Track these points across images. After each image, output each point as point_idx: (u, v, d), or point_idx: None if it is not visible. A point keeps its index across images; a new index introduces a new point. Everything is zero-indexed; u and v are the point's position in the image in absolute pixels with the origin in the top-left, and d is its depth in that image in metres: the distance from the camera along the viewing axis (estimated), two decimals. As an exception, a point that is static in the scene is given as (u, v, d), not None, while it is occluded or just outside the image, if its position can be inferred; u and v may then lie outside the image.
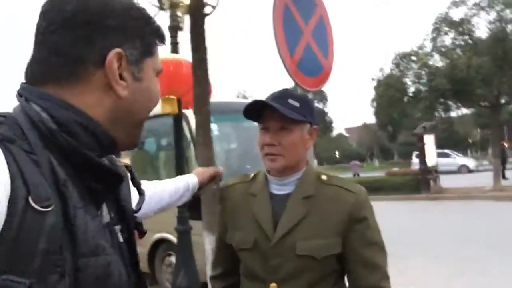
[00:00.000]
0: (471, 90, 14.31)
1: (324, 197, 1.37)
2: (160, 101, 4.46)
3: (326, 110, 55.76)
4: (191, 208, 3.87)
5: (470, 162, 28.47)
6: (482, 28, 15.90)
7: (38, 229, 0.59)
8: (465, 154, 38.93)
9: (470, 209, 11.55)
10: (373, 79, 17.79)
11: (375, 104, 24.65)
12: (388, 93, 16.17)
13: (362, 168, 35.12)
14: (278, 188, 1.41)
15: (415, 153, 23.60)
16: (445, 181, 16.27)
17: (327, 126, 55.82)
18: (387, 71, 16.75)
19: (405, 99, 16.65)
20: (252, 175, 1.51)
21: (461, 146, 45.14)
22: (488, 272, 5.55)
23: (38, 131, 0.66)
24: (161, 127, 5.77)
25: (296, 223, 1.33)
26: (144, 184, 1.11)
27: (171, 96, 3.71)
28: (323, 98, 54.58)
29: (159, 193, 1.36)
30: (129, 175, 0.90)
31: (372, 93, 24.75)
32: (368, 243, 1.33)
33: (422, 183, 15.12)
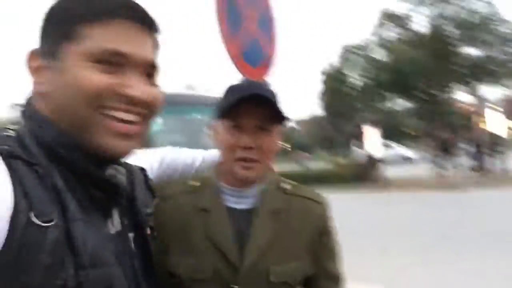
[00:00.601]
0: (412, 83, 14.76)
1: (292, 211, 1.18)
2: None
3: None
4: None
5: (411, 153, 29.74)
6: (423, 24, 16.42)
7: (40, 244, 0.59)
8: (406, 145, 40.60)
9: (414, 199, 11.91)
10: (323, 73, 18.01)
11: (322, 96, 25.07)
12: (335, 86, 16.44)
13: (310, 159, 35.70)
14: (236, 201, 1.16)
15: (354, 142, 24.28)
16: (389, 172, 16.76)
17: (276, 118, 56.06)
18: (334, 64, 16.98)
19: (351, 92, 16.96)
20: (196, 183, 1.19)
21: (402, 137, 47.03)
22: (435, 262, 5.64)
23: (40, 144, 0.68)
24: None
25: (267, 246, 1.11)
26: (165, 150, 1.25)
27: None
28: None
29: (174, 166, 1.28)
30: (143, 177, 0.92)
31: (318, 87, 25.17)
32: (332, 255, 1.24)
33: (367, 174, 15.48)
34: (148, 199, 0.92)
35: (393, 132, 42.15)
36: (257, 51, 2.68)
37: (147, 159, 1.20)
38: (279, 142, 1.18)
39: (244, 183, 1.14)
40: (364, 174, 15.57)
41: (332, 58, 34.52)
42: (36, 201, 0.61)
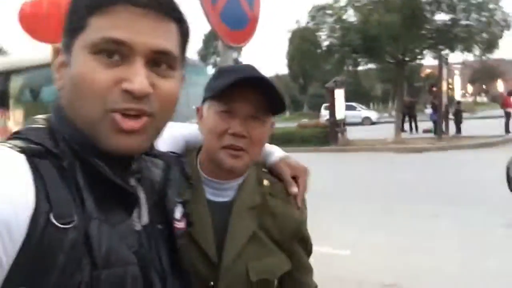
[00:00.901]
0: (380, 46, 14.85)
1: (269, 210, 1.12)
2: (51, 48, 3.86)
3: (240, 59, 55.38)
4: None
5: (373, 115, 30.44)
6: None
7: (58, 245, 0.59)
8: (368, 106, 41.40)
9: (374, 160, 12.29)
10: (289, 31, 17.76)
11: (289, 55, 24.82)
12: (303, 46, 16.29)
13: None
14: (215, 194, 1.10)
15: (324, 105, 24.55)
16: (351, 133, 17.09)
17: (240, 75, 55.55)
18: (303, 23, 16.75)
19: (319, 52, 16.87)
20: None
21: (364, 99, 47.89)
22: (394, 224, 5.86)
23: (63, 139, 0.68)
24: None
25: (246, 242, 1.07)
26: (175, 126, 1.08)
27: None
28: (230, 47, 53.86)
29: (177, 142, 1.16)
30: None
31: (286, 45, 24.86)
32: (306, 260, 1.23)
33: (330, 136, 15.72)
34: (183, 187, 0.90)
35: (357, 93, 42.92)
36: (236, 12, 2.56)
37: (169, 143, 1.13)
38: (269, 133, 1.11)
39: (228, 173, 1.07)
40: (327, 136, 15.78)
41: (300, 17, 34.14)
42: (57, 202, 0.61)
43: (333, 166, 11.65)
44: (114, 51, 0.65)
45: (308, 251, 1.23)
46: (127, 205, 0.72)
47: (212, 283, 1.03)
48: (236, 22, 2.57)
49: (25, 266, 0.57)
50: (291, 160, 1.22)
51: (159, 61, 0.69)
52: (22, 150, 0.63)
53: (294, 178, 1.17)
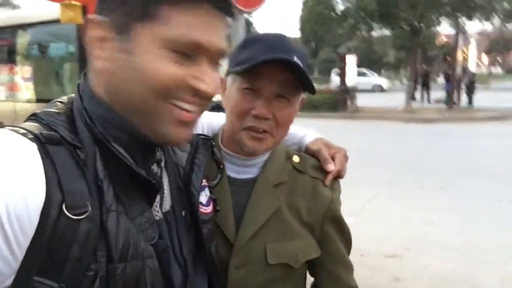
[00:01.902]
0: (396, 12, 14.46)
1: (297, 187, 1.05)
2: (60, 7, 3.82)
3: (251, 20, 54.38)
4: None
5: (384, 82, 29.94)
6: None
7: (71, 236, 0.58)
8: (379, 73, 40.73)
9: (383, 129, 12.19)
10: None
11: (301, 19, 24.30)
12: (317, 9, 15.92)
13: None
14: (237, 170, 1.04)
15: (334, 70, 24.16)
16: (360, 100, 16.90)
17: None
18: (317, -15, 16.27)
19: (333, 15, 16.47)
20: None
21: (376, 66, 47.10)
22: (398, 195, 5.87)
23: (86, 127, 0.66)
24: (70, 31, 5.02)
25: (266, 219, 1.00)
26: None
27: (73, 2, 3.00)
28: (241, 11, 52.77)
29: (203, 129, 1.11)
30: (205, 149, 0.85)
31: (299, 8, 24.25)
32: (344, 246, 1.12)
33: (340, 102, 15.57)
34: (213, 171, 0.89)
35: (369, 59, 42.16)
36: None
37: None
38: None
39: (249, 154, 1.01)
40: (337, 102, 15.63)
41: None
42: (70, 192, 0.59)
43: (340, 134, 11.50)
44: (190, 52, 0.64)
45: (346, 240, 1.12)
46: (148, 195, 0.70)
47: (231, 265, 0.98)
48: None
49: (38, 257, 0.57)
50: (328, 141, 1.17)
51: (217, 59, 0.69)
52: (35, 137, 0.60)
53: (332, 157, 1.10)
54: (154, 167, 0.74)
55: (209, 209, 0.84)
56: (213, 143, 0.87)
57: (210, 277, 0.83)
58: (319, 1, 16.02)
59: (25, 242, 0.56)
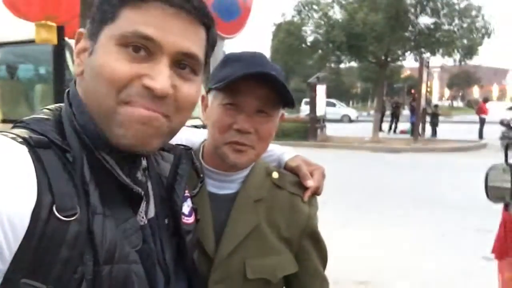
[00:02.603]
0: (364, 45, 14.97)
1: (276, 203, 1.07)
2: (34, 27, 3.77)
3: (224, 49, 55.01)
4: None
5: (352, 112, 30.77)
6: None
7: (60, 237, 0.58)
8: (347, 104, 41.77)
9: (351, 158, 12.43)
10: (274, 24, 17.69)
11: (272, 49, 24.80)
12: (288, 40, 16.27)
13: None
14: (218, 186, 1.05)
15: (304, 100, 24.65)
16: (330, 129, 17.28)
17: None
18: (288, 17, 16.71)
19: (303, 47, 16.89)
20: None
21: (344, 96, 48.31)
22: (369, 220, 5.98)
23: (74, 132, 0.66)
24: (41, 53, 4.95)
25: (246, 235, 1.01)
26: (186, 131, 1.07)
27: (49, 23, 2.99)
28: (220, 38, 53.58)
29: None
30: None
31: (270, 38, 24.78)
32: (320, 261, 1.13)
33: (310, 131, 15.83)
34: (193, 181, 0.89)
35: (337, 90, 43.24)
36: (229, 4, 2.53)
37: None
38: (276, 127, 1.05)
39: (231, 167, 1.03)
40: (307, 131, 15.88)
41: (286, 10, 34.08)
42: (60, 194, 0.59)
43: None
44: (141, 47, 0.65)
45: (322, 255, 1.14)
46: (133, 203, 0.70)
47: (210, 278, 0.99)
48: (228, 13, 2.55)
49: (27, 258, 0.56)
50: (306, 158, 1.19)
51: (183, 63, 0.68)
52: (25, 141, 0.61)
53: (310, 174, 1.12)
54: (139, 175, 0.75)
55: (191, 219, 0.84)
56: (193, 153, 0.88)
57: (190, 284, 0.83)
58: (289, 32, 16.38)
59: (15, 244, 0.56)
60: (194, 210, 0.87)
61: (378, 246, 5.03)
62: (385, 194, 7.70)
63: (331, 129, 17.60)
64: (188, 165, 0.85)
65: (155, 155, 0.82)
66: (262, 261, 1.02)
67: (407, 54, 16.56)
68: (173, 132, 0.73)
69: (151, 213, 0.76)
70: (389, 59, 16.56)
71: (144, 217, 0.74)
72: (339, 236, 5.43)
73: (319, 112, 16.06)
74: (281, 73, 0.99)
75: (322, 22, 15.60)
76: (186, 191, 0.85)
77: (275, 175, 1.10)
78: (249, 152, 0.99)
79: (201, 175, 0.90)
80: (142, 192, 0.71)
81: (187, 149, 0.88)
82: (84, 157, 0.64)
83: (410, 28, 15.34)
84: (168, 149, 0.85)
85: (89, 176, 0.63)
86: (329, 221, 5.81)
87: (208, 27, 0.72)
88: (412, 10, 14.84)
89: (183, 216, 0.81)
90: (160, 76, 0.65)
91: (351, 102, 50.88)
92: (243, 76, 0.92)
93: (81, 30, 0.71)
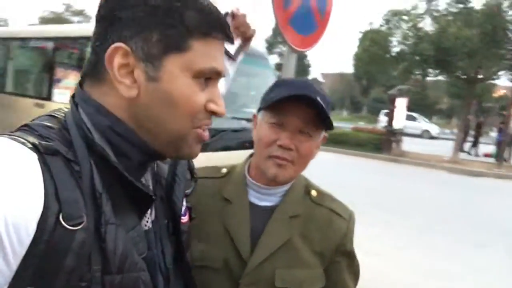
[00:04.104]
0: (453, 61, 14.23)
1: (312, 219, 1.15)
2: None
3: (306, 52, 54.86)
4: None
5: (434, 128, 29.18)
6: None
7: (66, 246, 0.59)
8: (430, 119, 39.79)
9: (425, 176, 11.90)
10: (360, 32, 17.42)
11: (356, 57, 24.36)
12: (373, 49, 15.91)
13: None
14: (259, 198, 1.15)
15: (383, 111, 23.89)
16: (407, 144, 16.62)
17: (304, 68, 55.28)
18: (375, 26, 16.35)
19: (387, 57, 16.42)
20: (224, 170, 1.22)
21: (428, 111, 46.06)
22: (431, 246, 5.74)
23: (83, 138, 0.66)
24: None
25: (278, 247, 1.10)
26: None
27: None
28: (294, 50, 53.47)
29: None
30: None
31: (355, 45, 24.37)
32: (351, 278, 1.20)
33: (385, 144, 15.36)
34: (187, 180, 0.91)
35: (421, 104, 41.27)
36: (306, 18, 2.62)
37: None
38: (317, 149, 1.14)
39: (271, 181, 1.12)
40: (381, 143, 15.43)
41: (375, 20, 33.25)
42: (67, 203, 0.60)
43: (380, 176, 11.45)
44: (209, 78, 0.71)
45: (354, 273, 1.20)
46: (142, 208, 0.72)
47: (239, 281, 1.08)
48: (305, 28, 2.65)
49: (33, 266, 0.57)
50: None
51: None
52: (35, 147, 0.61)
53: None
54: (143, 179, 0.77)
55: (185, 218, 0.87)
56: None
57: (186, 285, 0.85)
58: (375, 40, 16.00)
59: (21, 252, 0.57)
60: (188, 209, 0.90)
61: (439, 271, 4.84)
62: (456, 218, 7.33)
63: (409, 144, 16.92)
64: (185, 166, 0.88)
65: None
66: (291, 273, 1.09)
67: (500, 72, 15.47)
68: None
69: (153, 216, 0.79)
70: (480, 76, 15.59)
71: (149, 221, 0.77)
72: (399, 254, 5.31)
73: (397, 125, 15.54)
74: (326, 99, 1.08)
75: (411, 34, 15.05)
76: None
77: (314, 193, 1.19)
78: (288, 168, 1.08)
79: (195, 175, 0.92)
80: (153, 195, 0.73)
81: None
82: (94, 165, 0.65)
83: (507, 45, 14.29)
84: None
85: (100, 184, 0.64)
86: (389, 238, 5.72)
87: None
88: (510, 27, 13.81)
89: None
90: (220, 100, 0.73)
91: (434, 118, 48.43)
92: (288, 97, 1.03)
93: (122, 45, 0.66)
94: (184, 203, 0.87)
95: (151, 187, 0.79)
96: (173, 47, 0.67)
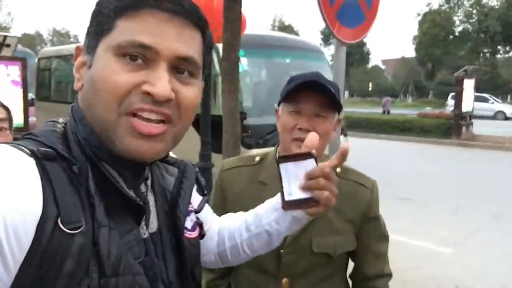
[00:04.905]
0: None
1: (341, 191, 1.27)
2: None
3: (364, 40, 53.51)
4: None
5: (508, 109, 27.30)
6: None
7: (65, 250, 0.59)
8: (504, 99, 37.23)
9: (499, 160, 11.26)
10: (418, 14, 16.78)
11: (416, 40, 23.36)
12: (433, 31, 15.29)
13: (394, 104, 34.30)
14: None
15: (451, 94, 22.74)
16: (479, 127, 15.75)
17: (363, 57, 53.89)
18: (435, 6, 15.66)
19: (450, 38, 15.67)
20: (258, 158, 1.40)
21: (501, 90, 43.15)
22: (506, 231, 5.52)
23: (77, 143, 0.67)
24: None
25: (312, 219, 1.24)
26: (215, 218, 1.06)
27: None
28: (343, 43, 52.16)
29: (227, 229, 1.03)
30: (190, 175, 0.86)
31: (415, 28, 23.38)
32: (378, 238, 1.37)
33: (454, 128, 14.69)
34: (197, 198, 0.91)
35: (493, 84, 38.75)
36: (353, 10, 2.68)
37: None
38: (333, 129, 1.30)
39: None
40: (450, 128, 14.76)
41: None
42: (65, 207, 0.60)
43: (450, 162, 11.00)
44: (138, 56, 0.65)
45: (380, 233, 1.37)
46: (136, 214, 0.71)
47: (282, 250, 1.26)
48: (352, 21, 2.72)
49: (32, 271, 0.57)
50: None
51: (182, 68, 0.69)
52: (32, 153, 0.62)
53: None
54: (143, 187, 0.76)
55: (194, 234, 0.84)
56: (198, 170, 0.90)
57: None
58: (435, 22, 15.32)
59: (20, 257, 0.57)
60: (198, 224, 0.87)
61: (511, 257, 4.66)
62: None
63: (481, 127, 16.00)
64: (193, 181, 0.85)
65: (160, 168, 0.83)
66: (325, 240, 1.28)
67: None
68: (177, 138, 0.72)
69: (154, 227, 0.77)
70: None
71: (146, 230, 0.75)
72: (473, 241, 5.16)
73: (466, 108, 14.79)
74: (335, 86, 1.26)
75: (474, 11, 14.26)
76: (191, 206, 0.85)
77: (338, 169, 1.30)
78: None
79: (205, 192, 0.90)
80: (144, 204, 0.71)
81: (193, 165, 0.89)
82: (89, 169, 0.65)
83: None
84: (173, 163, 0.86)
85: (94, 188, 0.64)
86: (461, 225, 5.56)
87: (203, 29, 0.72)
88: None
89: (185, 231, 0.81)
90: (160, 82, 0.65)
91: (509, 97, 45.27)
92: (301, 85, 1.20)
93: (79, 45, 0.71)
94: (194, 217, 0.86)
95: (148, 195, 0.77)
96: (102, 32, 0.67)
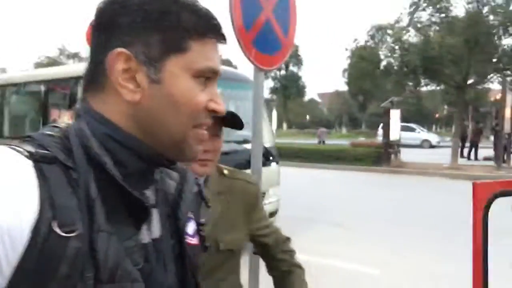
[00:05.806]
0: (440, 69, 14.48)
1: (233, 191, 1.46)
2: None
3: (300, 74, 55.58)
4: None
5: (433, 138, 29.30)
6: (459, 8, 15.90)
7: (60, 254, 0.58)
8: (430, 129, 39.91)
9: (424, 185, 11.94)
10: (346, 49, 17.74)
11: (346, 74, 24.66)
12: (361, 65, 16.21)
13: (329, 135, 35.65)
14: None
15: (381, 124, 24.04)
16: (407, 155, 16.71)
17: (299, 90, 55.77)
18: (361, 42, 16.68)
19: (377, 71, 16.69)
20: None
21: (427, 121, 46.22)
22: (432, 249, 5.78)
23: (82, 146, 0.67)
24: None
25: (216, 219, 1.39)
26: None
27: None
28: (298, 62, 54.32)
29: None
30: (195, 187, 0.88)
31: (345, 62, 24.72)
32: (264, 218, 1.61)
33: (383, 156, 15.47)
34: (200, 209, 0.92)
35: (419, 114, 41.43)
36: (269, 38, 2.77)
37: None
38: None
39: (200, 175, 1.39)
40: (380, 156, 15.52)
41: (359, 35, 33.85)
42: (61, 210, 0.60)
43: (380, 188, 11.50)
44: (208, 78, 0.72)
45: (264, 214, 1.62)
46: (139, 218, 0.71)
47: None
48: (269, 48, 2.81)
49: (26, 273, 0.57)
50: None
51: None
52: (31, 155, 0.62)
53: None
54: (147, 192, 0.76)
55: (195, 240, 0.84)
56: (201, 183, 0.94)
57: None
58: (362, 56, 16.31)
59: (15, 260, 0.56)
60: (199, 235, 0.87)
61: (437, 274, 4.86)
62: (455, 224, 7.33)
63: (409, 155, 17.00)
64: (192, 184, 0.87)
65: (161, 172, 0.83)
66: (230, 237, 1.42)
67: (490, 76, 15.68)
68: None
69: (156, 233, 0.75)
70: (470, 82, 15.79)
71: (148, 235, 0.74)
72: (396, 261, 5.34)
73: (393, 136, 15.67)
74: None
75: (396, 47, 15.35)
76: (192, 214, 0.85)
77: (226, 171, 1.52)
78: (209, 165, 1.37)
79: (209, 205, 0.94)
80: (150, 205, 0.72)
81: (195, 178, 0.91)
82: (92, 172, 0.65)
83: (492, 50, 14.55)
84: (174, 167, 0.86)
85: (95, 192, 0.64)
86: (387, 246, 5.75)
87: None
88: (494, 31, 14.10)
89: (186, 236, 0.81)
90: (219, 99, 0.74)
91: (434, 127, 48.54)
92: None
93: (123, 50, 0.67)
94: (195, 226, 0.86)
95: (153, 201, 0.77)
96: (173, 48, 0.68)
